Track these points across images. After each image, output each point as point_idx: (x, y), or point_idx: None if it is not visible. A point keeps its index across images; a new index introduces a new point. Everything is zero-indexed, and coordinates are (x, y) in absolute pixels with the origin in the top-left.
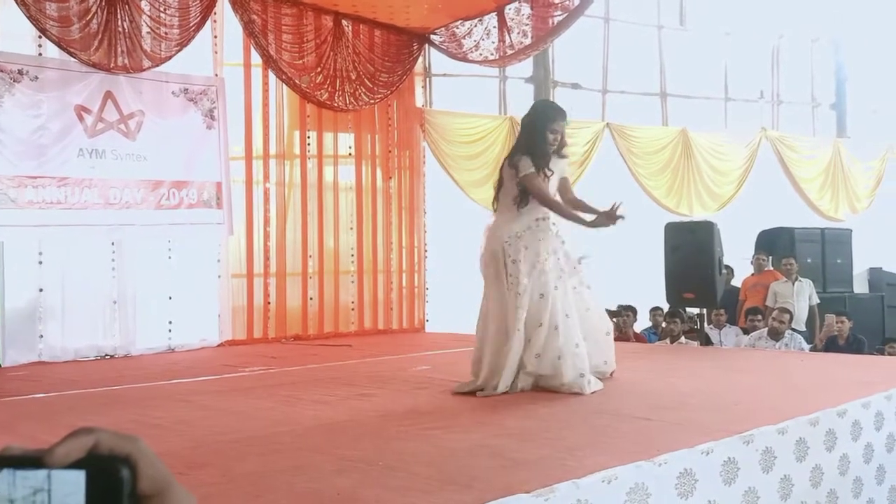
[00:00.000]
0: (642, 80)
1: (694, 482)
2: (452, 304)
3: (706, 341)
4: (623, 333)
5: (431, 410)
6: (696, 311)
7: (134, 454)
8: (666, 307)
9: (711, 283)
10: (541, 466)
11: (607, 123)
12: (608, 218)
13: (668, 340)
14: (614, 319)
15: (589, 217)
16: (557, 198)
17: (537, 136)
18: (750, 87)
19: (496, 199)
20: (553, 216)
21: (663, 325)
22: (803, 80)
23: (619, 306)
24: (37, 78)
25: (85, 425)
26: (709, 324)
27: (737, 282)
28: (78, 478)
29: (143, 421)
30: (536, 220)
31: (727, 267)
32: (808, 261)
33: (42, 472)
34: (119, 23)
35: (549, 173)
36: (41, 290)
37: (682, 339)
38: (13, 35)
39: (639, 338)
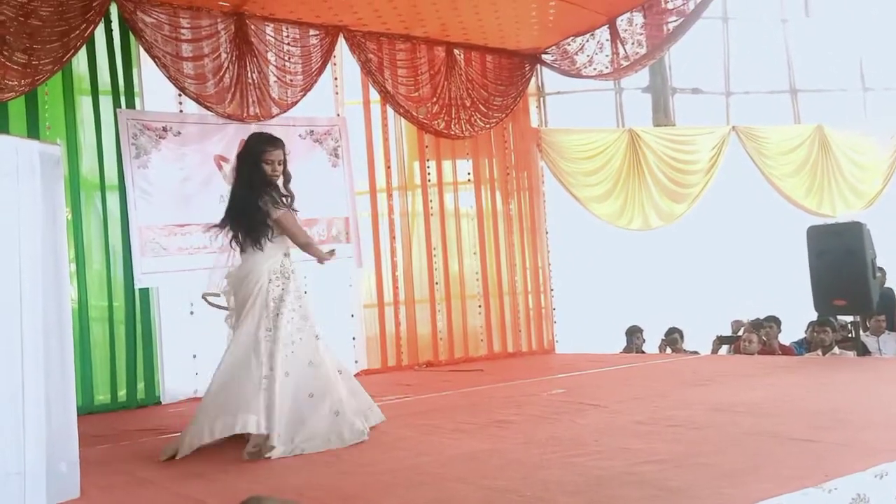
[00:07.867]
0: (768, 77)
1: None
2: (581, 323)
3: (863, 351)
4: (768, 346)
5: (572, 436)
6: (848, 319)
7: None
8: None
9: (865, 288)
10: (696, 496)
11: (733, 126)
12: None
13: (819, 352)
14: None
15: (326, 249)
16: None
17: (255, 169)
18: (890, 73)
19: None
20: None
21: (813, 334)
22: None
23: (753, 319)
24: (179, 133)
25: (253, 494)
26: (865, 331)
27: (891, 283)
28: None
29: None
30: (285, 255)
31: (880, 269)
32: None
33: None
34: (249, 75)
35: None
36: (193, 326)
37: (836, 349)
38: (156, 93)
39: (785, 350)
